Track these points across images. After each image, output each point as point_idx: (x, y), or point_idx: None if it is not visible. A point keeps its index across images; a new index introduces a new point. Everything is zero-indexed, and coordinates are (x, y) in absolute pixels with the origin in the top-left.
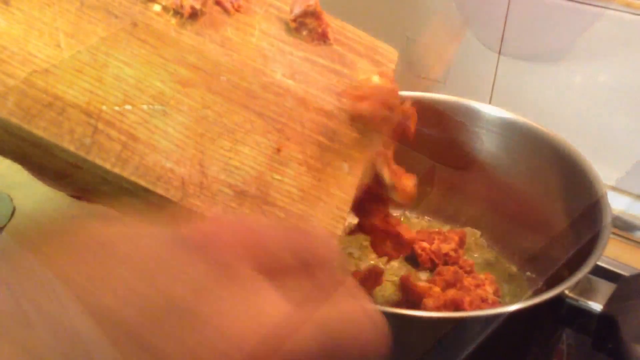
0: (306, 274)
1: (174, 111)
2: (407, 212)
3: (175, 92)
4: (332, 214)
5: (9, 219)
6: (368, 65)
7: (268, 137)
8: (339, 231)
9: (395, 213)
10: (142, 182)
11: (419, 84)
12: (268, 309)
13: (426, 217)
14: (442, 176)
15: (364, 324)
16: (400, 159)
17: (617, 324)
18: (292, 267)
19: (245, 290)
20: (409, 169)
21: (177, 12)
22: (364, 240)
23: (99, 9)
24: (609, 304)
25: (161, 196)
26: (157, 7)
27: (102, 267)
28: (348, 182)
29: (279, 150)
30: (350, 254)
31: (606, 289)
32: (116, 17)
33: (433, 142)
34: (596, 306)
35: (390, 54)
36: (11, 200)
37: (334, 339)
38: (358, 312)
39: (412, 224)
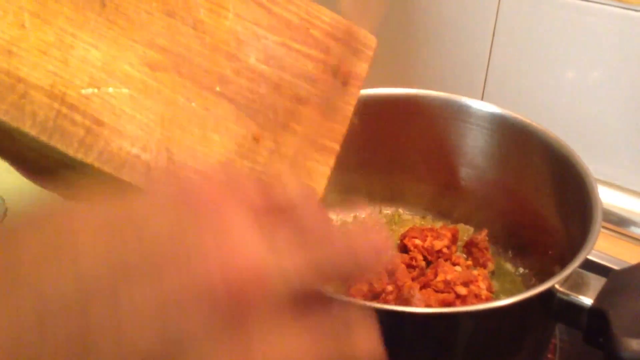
0: (290, 219)
1: (141, 95)
2: (399, 210)
3: (143, 75)
4: None
5: (2, 220)
6: (345, 52)
7: (239, 123)
8: None
9: (388, 210)
10: (106, 168)
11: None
12: (250, 247)
13: (418, 214)
14: (434, 173)
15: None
16: (393, 159)
17: (608, 318)
18: (275, 212)
19: (226, 228)
20: (403, 168)
21: None
22: None
23: None
24: (599, 298)
25: (126, 182)
26: None
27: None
28: (319, 172)
29: (256, 139)
30: None
31: (597, 283)
32: None
33: (424, 139)
34: (587, 300)
35: (368, 40)
36: (3, 201)
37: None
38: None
39: (404, 220)
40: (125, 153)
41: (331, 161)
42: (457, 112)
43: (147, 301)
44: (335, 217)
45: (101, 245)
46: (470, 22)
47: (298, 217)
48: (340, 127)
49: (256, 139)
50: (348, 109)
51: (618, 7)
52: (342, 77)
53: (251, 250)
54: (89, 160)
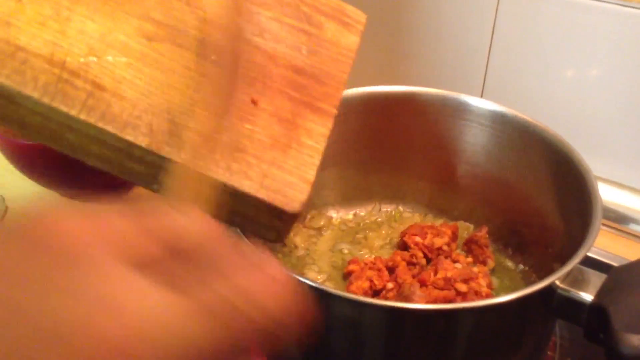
0: (181, 260)
1: (140, 63)
2: (399, 207)
3: (140, 45)
4: (304, 161)
5: (2, 219)
6: (336, 26)
7: (237, 89)
8: (312, 177)
9: (388, 208)
10: (110, 129)
11: None
12: (134, 298)
13: (419, 211)
14: (434, 170)
15: (270, 293)
16: (393, 156)
17: (608, 314)
18: (160, 255)
19: (101, 279)
20: (403, 165)
21: None
22: (355, 234)
23: None
24: (600, 294)
25: (129, 143)
26: None
27: None
28: (318, 133)
29: (254, 102)
30: (340, 251)
31: (597, 279)
32: None
33: (424, 136)
34: (587, 296)
35: (358, 16)
36: (3, 199)
37: (229, 320)
38: (257, 283)
39: (404, 218)
40: (127, 115)
41: (329, 123)
42: (457, 110)
43: None
44: (335, 215)
45: None
46: (469, 20)
47: (189, 260)
48: (335, 92)
49: (255, 103)
50: (342, 77)
51: (617, 4)
52: (335, 49)
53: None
54: (92, 120)
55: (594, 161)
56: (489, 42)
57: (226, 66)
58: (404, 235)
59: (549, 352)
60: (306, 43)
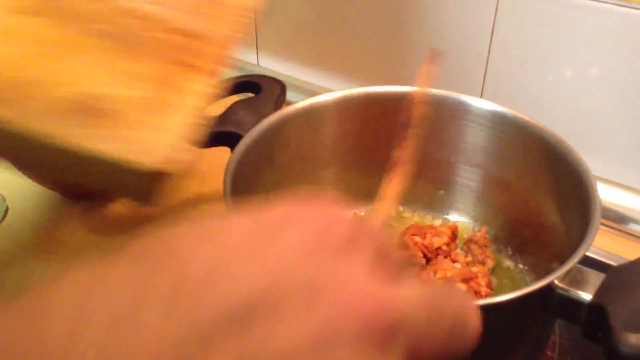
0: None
1: (13, 39)
2: (399, 207)
3: (12, 19)
4: (186, 120)
5: (3, 218)
6: None
7: (122, 56)
8: (184, 133)
9: None
10: None
11: None
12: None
13: (418, 211)
14: (433, 171)
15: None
16: (393, 156)
17: (607, 313)
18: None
19: (358, 271)
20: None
21: None
22: None
23: None
24: (598, 293)
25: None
26: None
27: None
28: (197, 91)
29: (139, 70)
30: None
31: (596, 278)
32: None
33: (424, 136)
34: (586, 296)
35: None
36: (4, 199)
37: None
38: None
39: (404, 218)
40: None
41: (212, 81)
42: (456, 110)
43: (306, 328)
44: None
45: (259, 263)
46: (469, 20)
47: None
48: (223, 51)
49: (139, 70)
50: (233, 36)
51: (617, 4)
52: (229, 10)
53: (380, 289)
54: None
55: (593, 161)
56: (489, 42)
57: (111, 35)
58: (404, 235)
59: (548, 352)
60: (199, 6)
